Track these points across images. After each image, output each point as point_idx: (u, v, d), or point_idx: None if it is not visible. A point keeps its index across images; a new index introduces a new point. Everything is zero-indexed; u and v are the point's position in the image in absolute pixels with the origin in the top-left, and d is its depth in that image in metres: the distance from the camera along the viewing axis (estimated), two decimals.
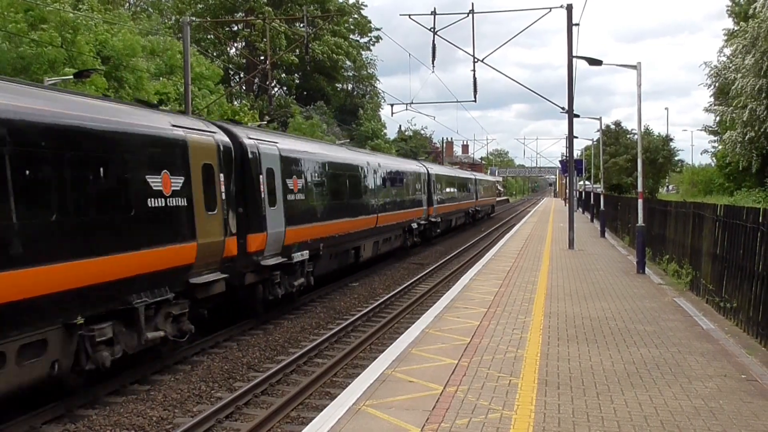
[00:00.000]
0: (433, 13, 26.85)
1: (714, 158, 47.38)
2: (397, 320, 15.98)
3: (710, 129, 46.04)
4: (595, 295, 14.68)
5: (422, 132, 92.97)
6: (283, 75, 61.32)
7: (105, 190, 10.23)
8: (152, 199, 11.15)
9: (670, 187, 79.21)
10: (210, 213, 12.82)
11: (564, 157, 49.36)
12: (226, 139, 13.98)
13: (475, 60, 27.47)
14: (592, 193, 49.51)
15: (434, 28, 26.96)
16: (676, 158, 62.85)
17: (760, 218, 10.52)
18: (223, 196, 13.35)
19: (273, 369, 11.49)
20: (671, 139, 61.14)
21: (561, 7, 25.01)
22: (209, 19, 52.97)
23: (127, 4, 52.11)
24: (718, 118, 39.73)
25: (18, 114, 8.61)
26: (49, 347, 8.97)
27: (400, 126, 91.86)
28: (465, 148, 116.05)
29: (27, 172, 8.64)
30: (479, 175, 61.57)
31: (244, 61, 57.64)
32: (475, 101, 30.19)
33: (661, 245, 20.30)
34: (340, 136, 56.34)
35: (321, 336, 14.21)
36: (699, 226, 15.09)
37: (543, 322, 11.70)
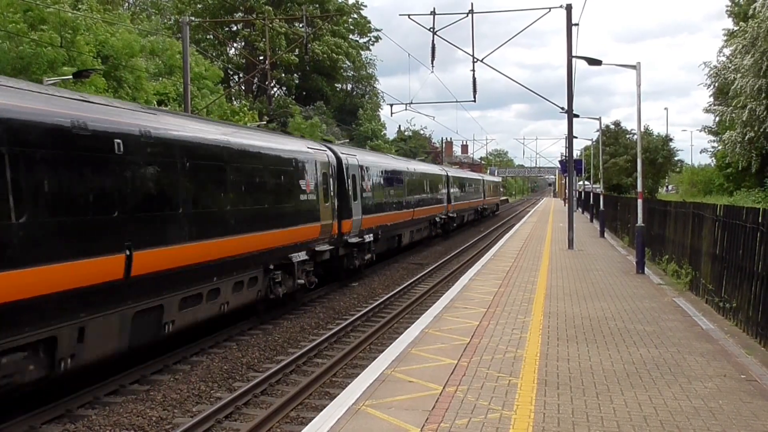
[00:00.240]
0: (433, 13, 26.87)
1: (713, 158, 47.38)
2: (397, 320, 15.98)
3: (710, 129, 46.03)
4: (594, 295, 14.68)
5: (422, 132, 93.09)
6: (283, 75, 61.30)
7: (286, 190, 16.31)
8: (302, 195, 17.07)
9: (670, 187, 79.21)
10: (326, 204, 18.66)
11: (563, 157, 49.33)
12: (331, 154, 20.07)
13: (475, 60, 27.51)
14: (591, 193, 49.53)
15: (434, 28, 26.98)
16: (676, 158, 62.81)
17: (760, 218, 10.53)
18: (332, 193, 19.33)
19: (272, 369, 11.49)
20: (671, 139, 61.07)
21: (560, 7, 25.04)
22: (208, 19, 52.97)
23: (127, 3, 52.11)
24: (717, 118, 39.70)
25: (246, 147, 14.71)
26: (258, 281, 14.74)
27: (400, 126, 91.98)
28: (464, 148, 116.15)
29: (258, 180, 15.00)
30: (486, 177, 66.94)
31: (243, 61, 57.62)
32: (474, 101, 30.21)
33: (660, 245, 20.31)
34: (339, 136, 56.33)
35: (320, 336, 14.21)
36: (698, 226, 15.10)
37: (542, 322, 11.70)
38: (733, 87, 32.90)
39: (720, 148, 40.46)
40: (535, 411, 7.20)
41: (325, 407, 7.78)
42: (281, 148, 16.66)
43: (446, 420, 6.94)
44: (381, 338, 14.23)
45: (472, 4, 26.81)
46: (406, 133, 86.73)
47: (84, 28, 28.34)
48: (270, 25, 48.51)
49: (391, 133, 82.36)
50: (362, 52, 72.40)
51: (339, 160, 20.32)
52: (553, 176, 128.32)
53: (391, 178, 26.99)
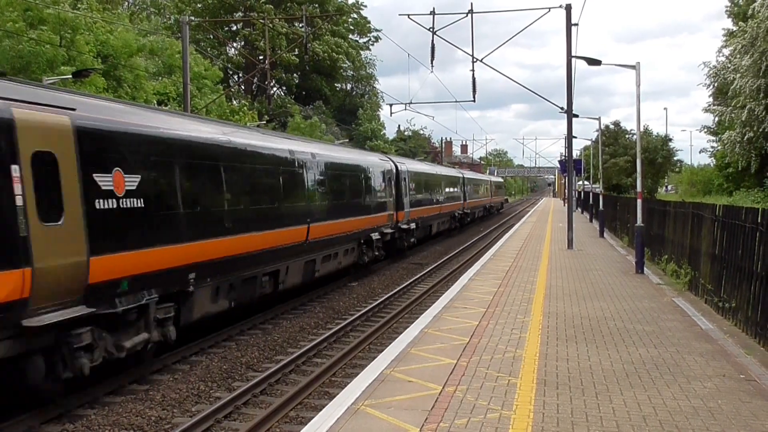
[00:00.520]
0: (432, 13, 26.84)
1: (713, 158, 47.39)
2: (396, 320, 15.98)
3: (709, 129, 46.04)
4: (594, 295, 14.69)
5: (421, 132, 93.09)
6: (283, 75, 61.30)
7: (371, 189, 23.64)
8: (378, 193, 24.47)
9: (669, 187, 79.23)
10: (390, 200, 25.87)
11: (563, 157, 49.35)
12: (391, 163, 27.43)
13: (474, 60, 27.49)
14: (591, 193, 49.54)
15: (433, 28, 26.95)
16: (675, 158, 62.86)
17: (759, 218, 10.53)
18: (393, 191, 26.41)
19: (272, 369, 11.49)
20: (670, 139, 61.13)
21: (560, 7, 25.03)
22: (208, 18, 52.95)
23: (126, 3, 52.08)
24: (717, 118, 39.72)
25: (355, 162, 22.75)
26: (355, 251, 21.72)
27: (399, 126, 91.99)
28: (464, 148, 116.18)
29: (358, 182, 22.38)
30: (493, 178, 75.72)
31: (243, 60, 57.62)
32: (474, 101, 30.17)
33: (660, 245, 20.31)
34: (339, 136, 56.35)
35: (320, 336, 14.21)
36: (698, 226, 15.10)
37: (542, 322, 11.70)
38: (732, 87, 32.91)
39: (719, 148, 40.47)
40: (535, 411, 7.20)
41: (324, 407, 7.78)
42: (367, 160, 24.57)
43: (445, 420, 6.94)
44: (380, 338, 14.23)
45: (471, 4, 26.82)
46: (405, 133, 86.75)
47: (83, 28, 28.34)
48: (270, 25, 48.48)
49: (390, 133, 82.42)
50: (362, 52, 72.42)
51: (396, 167, 27.61)
52: (552, 176, 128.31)
53: (426, 180, 33.43)
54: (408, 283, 21.17)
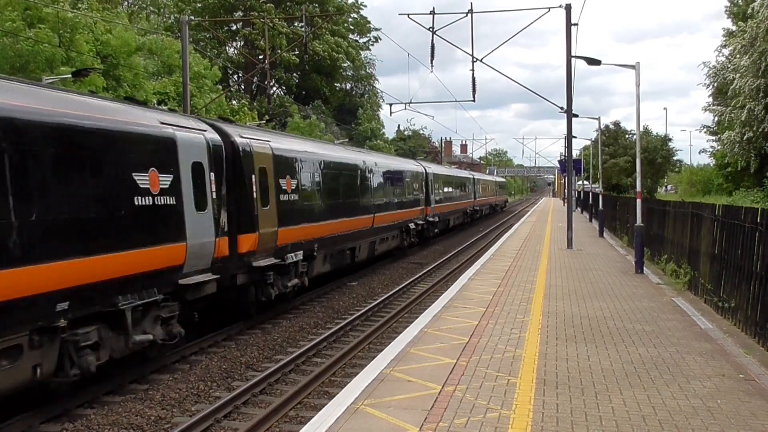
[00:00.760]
0: (432, 12, 26.84)
1: (713, 158, 47.38)
2: (396, 320, 15.98)
3: (709, 129, 46.05)
4: (593, 294, 14.69)
5: (421, 132, 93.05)
6: (283, 74, 61.27)
7: (410, 189, 30.30)
8: (414, 192, 31.10)
9: (669, 187, 79.27)
10: (421, 197, 32.26)
11: (563, 157, 49.35)
12: (422, 168, 33.94)
13: (474, 60, 27.48)
14: (590, 193, 49.54)
15: (433, 27, 26.95)
16: (675, 158, 62.86)
17: (759, 218, 10.53)
18: (424, 190, 32.87)
19: (271, 368, 11.49)
20: (670, 139, 61.15)
21: (560, 7, 25.02)
22: (208, 18, 52.92)
23: (126, 2, 52.06)
24: (716, 118, 39.74)
25: (402, 168, 30.14)
26: (398, 237, 27.90)
27: (399, 125, 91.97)
28: (464, 147, 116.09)
29: (402, 184, 29.04)
30: (498, 179, 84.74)
31: (243, 60, 57.60)
32: (473, 101, 30.16)
33: (659, 245, 20.32)
34: (339, 135, 56.34)
35: (319, 335, 14.21)
36: (697, 226, 15.11)
37: (541, 321, 11.70)
38: (731, 87, 32.92)
39: (719, 148, 40.48)
40: (534, 410, 7.20)
41: (324, 406, 7.78)
42: (407, 166, 31.19)
43: (445, 419, 6.94)
44: (380, 338, 14.23)
45: (471, 3, 26.81)
46: (405, 132, 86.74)
47: (83, 27, 28.31)
48: (270, 24, 48.48)
49: (390, 133, 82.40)
50: (362, 53, 72.38)
51: (425, 170, 34.35)
52: (552, 176, 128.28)
53: (446, 181, 40.74)
54: (407, 282, 21.17)
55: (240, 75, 60.62)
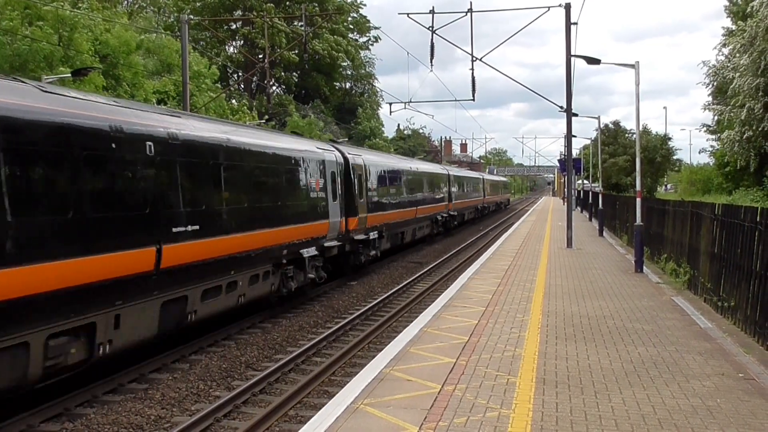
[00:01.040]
0: (432, 11, 26.84)
1: (712, 157, 47.38)
2: (396, 319, 15.99)
3: (708, 128, 46.05)
4: (593, 293, 14.70)
5: (421, 131, 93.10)
6: (283, 73, 61.25)
7: (437, 190, 36.99)
8: (442, 191, 38.26)
9: (669, 186, 79.22)
10: (444, 195, 38.25)
11: (562, 156, 49.39)
12: (446, 171, 41.46)
13: (474, 59, 27.50)
14: (590, 192, 49.54)
15: (432, 26, 26.95)
16: (675, 157, 62.81)
17: (758, 217, 10.54)
18: (445, 190, 38.88)
19: (271, 368, 11.49)
20: (669, 138, 61.08)
21: (559, 6, 25.01)
22: (207, 17, 52.89)
23: (126, 2, 52.01)
24: (716, 117, 39.73)
25: (430, 171, 37.46)
26: (429, 228, 34.91)
27: (399, 125, 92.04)
28: (463, 146, 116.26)
29: (433, 185, 36.24)
30: (502, 178, 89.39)
31: (243, 59, 57.56)
32: (473, 100, 30.16)
33: (659, 244, 20.32)
34: (338, 134, 56.33)
35: (319, 335, 14.21)
36: (697, 225, 15.11)
37: (541, 320, 11.71)
38: (731, 86, 32.90)
39: (718, 147, 40.47)
40: (534, 409, 7.21)
41: (323, 406, 7.78)
42: (436, 170, 37.70)
43: (444, 419, 6.94)
44: (380, 337, 14.23)
45: (471, 2, 26.81)
46: (405, 131, 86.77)
47: (82, 26, 28.28)
48: (270, 23, 48.46)
49: (389, 132, 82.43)
50: (361, 52, 72.37)
51: (449, 173, 41.11)
52: (552, 175, 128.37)
53: (464, 181, 47.04)
54: (407, 282, 21.17)
55: (240, 74, 60.59)
